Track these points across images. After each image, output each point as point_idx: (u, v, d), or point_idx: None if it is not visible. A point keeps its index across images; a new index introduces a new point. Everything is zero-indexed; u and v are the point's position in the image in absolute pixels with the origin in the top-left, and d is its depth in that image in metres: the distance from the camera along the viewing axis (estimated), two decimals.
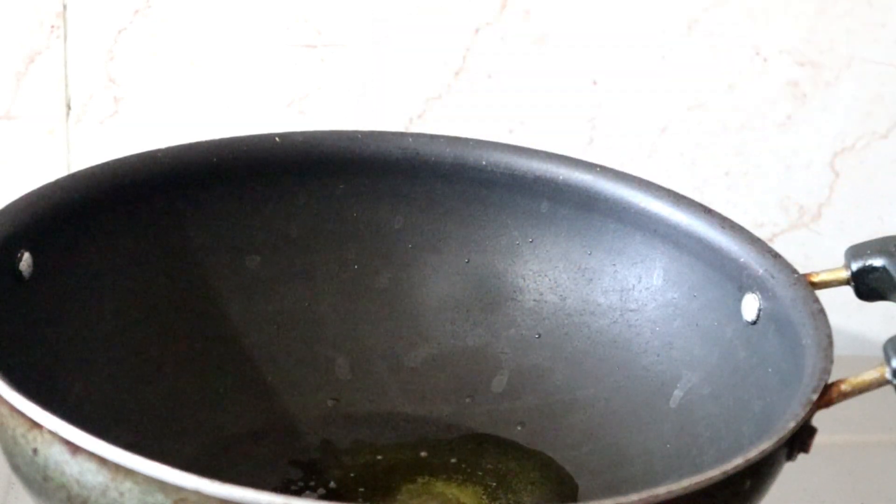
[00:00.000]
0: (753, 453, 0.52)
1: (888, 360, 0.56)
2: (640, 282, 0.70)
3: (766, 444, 0.53)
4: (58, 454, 0.50)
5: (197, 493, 0.48)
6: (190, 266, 0.69)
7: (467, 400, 0.71)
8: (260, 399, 0.69)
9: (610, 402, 0.69)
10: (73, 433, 0.50)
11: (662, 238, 0.69)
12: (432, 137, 0.72)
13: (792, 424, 0.54)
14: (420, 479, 0.67)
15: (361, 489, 0.66)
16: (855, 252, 0.63)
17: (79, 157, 0.83)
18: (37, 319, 0.62)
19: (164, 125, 0.83)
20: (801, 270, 0.64)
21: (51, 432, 0.50)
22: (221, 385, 0.69)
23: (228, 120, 0.83)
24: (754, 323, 0.64)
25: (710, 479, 0.51)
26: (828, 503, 0.75)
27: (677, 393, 0.67)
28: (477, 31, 0.83)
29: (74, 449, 0.50)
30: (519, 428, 0.70)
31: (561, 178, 0.71)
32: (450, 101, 0.84)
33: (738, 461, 0.52)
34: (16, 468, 0.53)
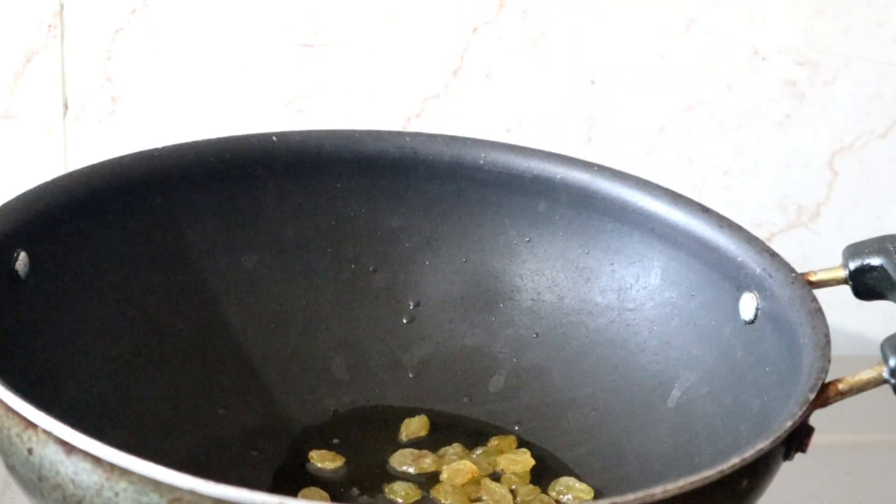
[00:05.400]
0: (750, 453, 0.52)
1: (886, 360, 0.56)
2: (637, 281, 0.70)
3: (763, 444, 0.53)
4: (53, 454, 0.50)
5: (192, 492, 0.48)
6: (186, 265, 0.69)
7: (465, 399, 0.71)
8: (256, 399, 0.69)
9: (607, 402, 0.69)
10: (67, 433, 0.49)
11: (660, 237, 0.69)
12: (430, 137, 0.72)
13: (789, 424, 0.54)
14: (417, 478, 0.67)
15: (358, 488, 0.66)
16: (853, 251, 0.63)
17: (76, 157, 0.83)
18: (33, 319, 0.62)
19: (162, 124, 0.83)
20: (800, 270, 0.63)
21: (46, 432, 0.50)
22: (217, 385, 0.69)
23: (226, 119, 0.83)
24: (752, 322, 0.64)
25: (707, 478, 0.51)
26: (825, 503, 0.75)
27: (675, 392, 0.67)
28: (475, 30, 0.83)
29: (69, 449, 0.50)
30: (517, 427, 0.70)
31: (559, 177, 0.71)
32: (448, 101, 0.84)
33: (734, 460, 0.52)
34: (11, 468, 0.53)
